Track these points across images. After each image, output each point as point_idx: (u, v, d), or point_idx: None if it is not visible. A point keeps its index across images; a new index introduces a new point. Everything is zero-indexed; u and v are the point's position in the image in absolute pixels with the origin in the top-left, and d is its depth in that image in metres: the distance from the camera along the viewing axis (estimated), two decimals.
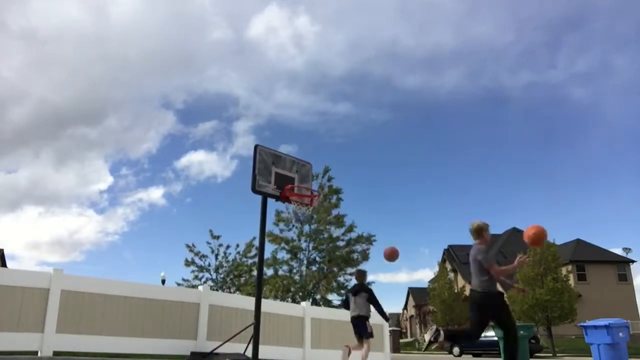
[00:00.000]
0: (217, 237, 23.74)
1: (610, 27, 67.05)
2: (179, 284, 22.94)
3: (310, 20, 74.08)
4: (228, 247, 23.83)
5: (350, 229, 22.38)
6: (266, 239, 7.76)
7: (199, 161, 74.38)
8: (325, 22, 74.81)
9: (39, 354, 6.26)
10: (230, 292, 21.55)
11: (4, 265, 34.51)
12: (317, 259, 22.55)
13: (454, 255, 45.25)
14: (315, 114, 77.34)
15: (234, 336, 7.62)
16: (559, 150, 68.53)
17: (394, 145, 75.27)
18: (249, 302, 8.26)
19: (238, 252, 23.76)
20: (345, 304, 8.30)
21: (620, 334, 8.80)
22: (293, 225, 22.49)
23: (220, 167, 74.41)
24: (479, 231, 5.60)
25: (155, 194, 76.04)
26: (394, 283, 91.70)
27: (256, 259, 22.53)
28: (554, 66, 69.26)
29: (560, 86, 67.61)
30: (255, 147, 7.52)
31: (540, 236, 5.40)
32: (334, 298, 22.44)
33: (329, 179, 22.99)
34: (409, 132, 75.47)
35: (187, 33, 71.43)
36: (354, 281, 8.79)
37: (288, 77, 77.47)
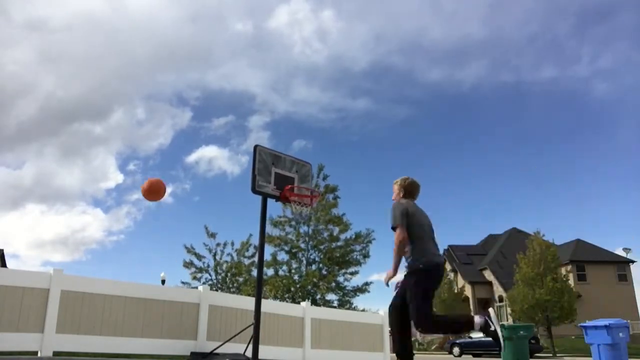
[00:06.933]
0: (214, 235, 23.73)
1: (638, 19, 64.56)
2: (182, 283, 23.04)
3: (334, 13, 71.53)
4: (225, 245, 23.84)
5: (346, 227, 22.26)
6: (265, 241, 7.73)
7: (210, 158, 72.70)
8: (350, 13, 71.98)
9: (39, 354, 6.26)
10: (230, 293, 21.53)
11: (4, 265, 34.51)
12: (317, 259, 22.52)
13: (453, 256, 45.24)
14: (333, 111, 75.19)
15: (234, 336, 7.63)
16: (572, 149, 67.26)
17: (410, 142, 73.58)
18: (249, 302, 8.26)
19: (235, 250, 23.73)
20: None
21: (620, 334, 8.82)
22: (291, 227, 22.46)
23: (231, 163, 72.83)
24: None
25: None
26: (394, 282, 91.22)
27: (253, 259, 22.82)
28: (579, 60, 67.41)
29: (584, 81, 65.66)
30: (255, 147, 7.52)
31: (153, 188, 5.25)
32: (334, 298, 22.45)
33: (324, 178, 22.89)
34: (426, 129, 73.36)
35: (206, 27, 69.85)
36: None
37: (307, 72, 74.92)
